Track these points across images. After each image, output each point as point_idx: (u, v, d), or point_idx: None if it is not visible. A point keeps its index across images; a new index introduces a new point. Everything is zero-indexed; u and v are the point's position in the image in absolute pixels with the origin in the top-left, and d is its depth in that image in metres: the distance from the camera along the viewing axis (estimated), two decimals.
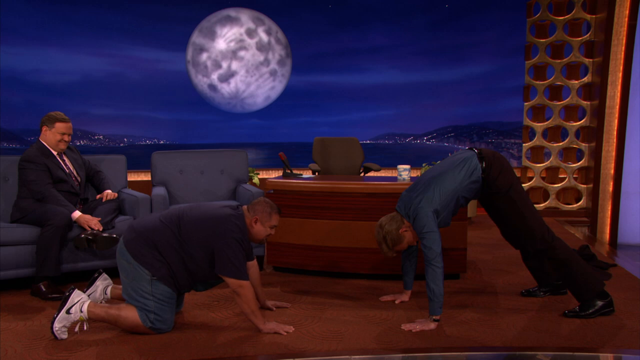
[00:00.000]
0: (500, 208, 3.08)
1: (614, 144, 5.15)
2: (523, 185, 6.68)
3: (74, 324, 2.68)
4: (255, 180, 6.59)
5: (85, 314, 2.67)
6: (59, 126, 3.59)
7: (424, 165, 6.90)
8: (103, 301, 2.98)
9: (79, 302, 2.67)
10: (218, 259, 2.69)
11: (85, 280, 3.62)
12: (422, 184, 3.01)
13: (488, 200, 3.11)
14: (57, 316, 2.64)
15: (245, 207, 2.87)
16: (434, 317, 2.84)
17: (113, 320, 2.70)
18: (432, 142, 8.68)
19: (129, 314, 2.69)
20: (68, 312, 2.65)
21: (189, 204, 2.93)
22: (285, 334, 2.74)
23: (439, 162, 3.30)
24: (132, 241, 2.73)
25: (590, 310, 2.96)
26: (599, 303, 2.97)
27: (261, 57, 8.12)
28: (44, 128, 3.60)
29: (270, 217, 2.83)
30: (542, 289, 3.37)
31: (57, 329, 2.63)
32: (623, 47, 5.09)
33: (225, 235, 2.68)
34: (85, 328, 2.72)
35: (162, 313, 2.71)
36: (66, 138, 3.62)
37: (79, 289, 2.75)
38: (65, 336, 2.65)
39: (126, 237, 2.77)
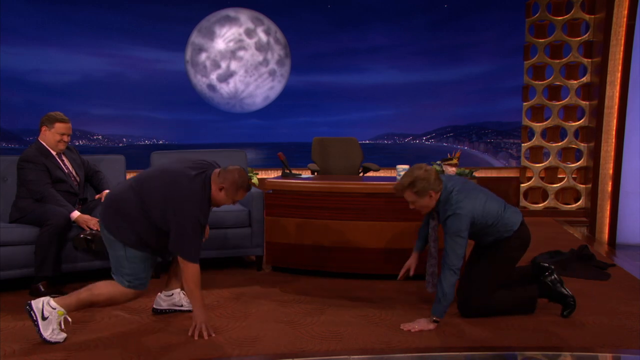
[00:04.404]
0: (484, 254, 3.06)
1: (613, 144, 5.15)
2: (522, 185, 6.69)
3: (59, 324, 2.63)
4: (255, 180, 6.57)
5: (59, 307, 2.61)
6: (59, 126, 3.58)
7: None
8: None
9: (43, 303, 2.61)
10: (173, 234, 2.63)
11: (84, 281, 3.61)
12: (476, 187, 3.00)
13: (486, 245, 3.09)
14: (39, 329, 2.58)
15: (217, 170, 2.75)
16: (434, 318, 2.82)
17: (88, 302, 2.67)
18: (432, 142, 8.67)
19: (102, 289, 2.67)
20: (44, 318, 2.59)
21: (161, 165, 2.87)
22: (205, 336, 2.68)
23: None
24: (105, 214, 2.74)
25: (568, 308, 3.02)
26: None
27: (260, 57, 8.12)
28: (44, 128, 3.60)
29: (236, 192, 2.73)
30: None
31: (48, 336, 2.59)
32: (622, 47, 5.09)
33: (184, 214, 2.61)
34: (69, 320, 2.66)
35: (137, 272, 2.69)
36: (65, 138, 3.62)
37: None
38: (62, 336, 2.63)
39: (101, 211, 2.78)
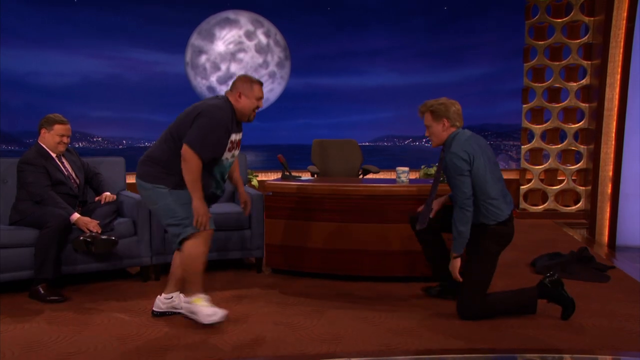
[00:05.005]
0: (467, 256, 3.07)
1: (613, 146, 5.16)
2: (522, 187, 6.70)
3: (206, 304, 2.87)
4: (254, 182, 6.59)
5: (194, 296, 2.90)
6: (58, 128, 3.58)
7: (422, 167, 6.92)
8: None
9: (184, 304, 2.95)
10: (193, 127, 2.79)
11: (83, 283, 3.63)
12: (495, 162, 3.06)
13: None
14: (199, 322, 2.85)
15: (225, 91, 2.97)
16: (454, 255, 2.97)
17: (180, 277, 2.98)
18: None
19: (177, 261, 2.99)
20: (193, 313, 2.88)
21: None
22: (202, 225, 2.82)
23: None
24: (140, 169, 2.92)
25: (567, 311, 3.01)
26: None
27: (260, 59, 8.12)
28: (43, 130, 3.60)
29: (252, 87, 2.91)
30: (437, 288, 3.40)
31: (208, 321, 2.81)
32: (621, 50, 5.10)
33: (211, 116, 2.78)
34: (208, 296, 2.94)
35: (191, 213, 2.82)
36: (65, 140, 3.62)
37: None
38: (220, 314, 2.82)
39: (137, 170, 2.94)
